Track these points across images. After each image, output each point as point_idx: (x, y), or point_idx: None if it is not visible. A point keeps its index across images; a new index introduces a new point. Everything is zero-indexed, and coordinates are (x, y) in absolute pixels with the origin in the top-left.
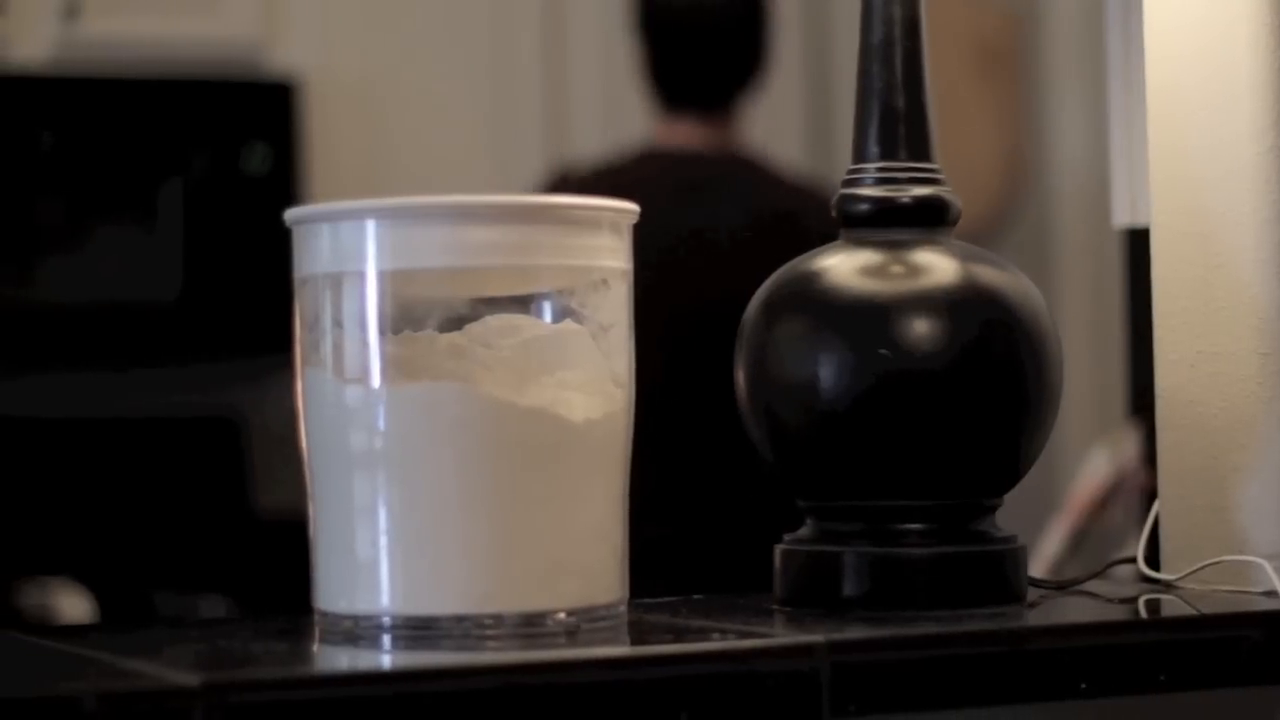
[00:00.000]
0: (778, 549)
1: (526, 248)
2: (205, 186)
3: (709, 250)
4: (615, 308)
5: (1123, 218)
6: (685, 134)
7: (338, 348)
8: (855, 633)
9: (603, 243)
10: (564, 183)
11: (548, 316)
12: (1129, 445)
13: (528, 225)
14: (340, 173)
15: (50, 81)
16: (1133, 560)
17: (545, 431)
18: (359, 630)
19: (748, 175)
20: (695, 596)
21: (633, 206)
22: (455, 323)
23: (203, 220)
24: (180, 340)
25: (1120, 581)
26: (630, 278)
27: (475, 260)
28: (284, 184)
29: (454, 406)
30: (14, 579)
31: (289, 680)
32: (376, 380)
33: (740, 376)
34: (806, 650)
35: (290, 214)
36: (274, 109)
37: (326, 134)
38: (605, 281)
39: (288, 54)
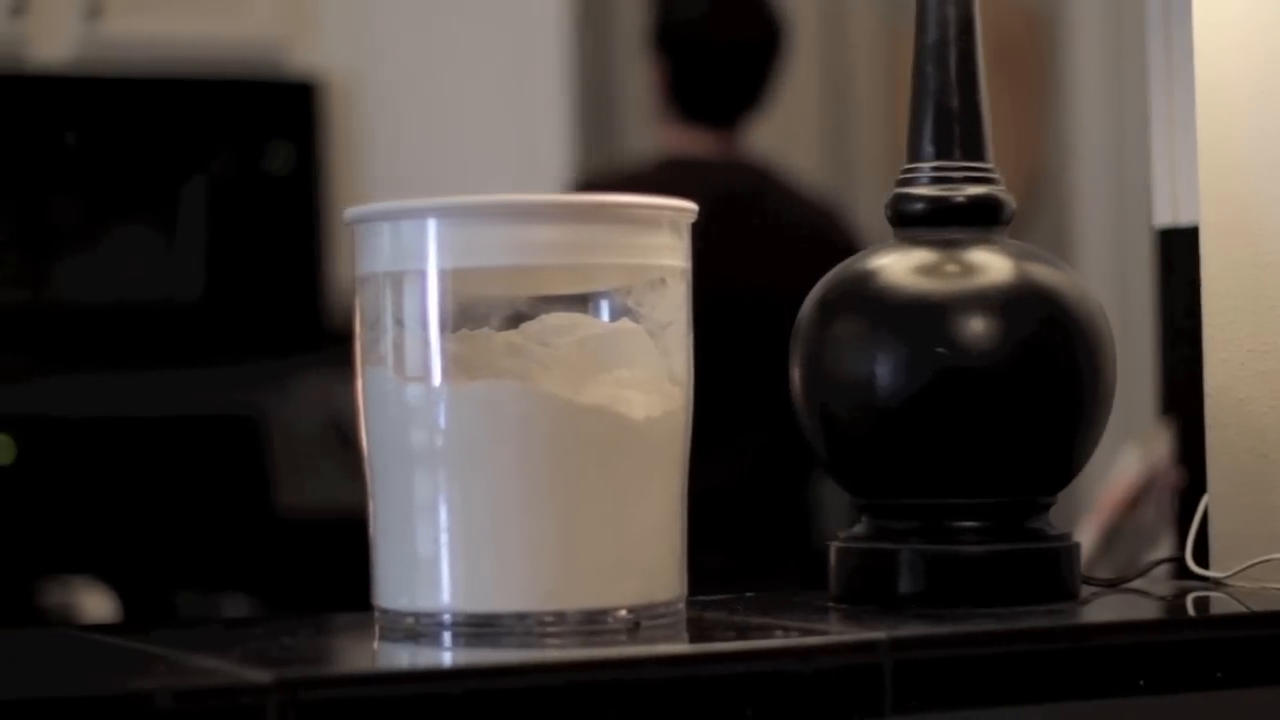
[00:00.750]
0: (833, 546)
1: (587, 247)
2: (228, 186)
3: (732, 257)
4: (673, 306)
5: (1164, 217)
6: (696, 143)
7: (398, 346)
8: (917, 629)
9: (662, 241)
10: (589, 188)
11: (605, 315)
12: (1159, 444)
13: (588, 224)
14: (363, 173)
15: (73, 81)
16: (1180, 558)
17: (606, 429)
18: (420, 627)
19: (763, 185)
20: (748, 594)
21: (691, 205)
22: (512, 321)
23: (225, 220)
24: (202, 340)
25: (1167, 579)
26: (689, 276)
27: (535, 259)
28: (306, 184)
29: (515, 405)
30: (36, 578)
31: (361, 676)
32: (437, 378)
33: (796, 375)
34: (870, 647)
35: (350, 213)
36: (296, 109)
37: (349, 134)
38: (663, 280)
39: (310, 53)
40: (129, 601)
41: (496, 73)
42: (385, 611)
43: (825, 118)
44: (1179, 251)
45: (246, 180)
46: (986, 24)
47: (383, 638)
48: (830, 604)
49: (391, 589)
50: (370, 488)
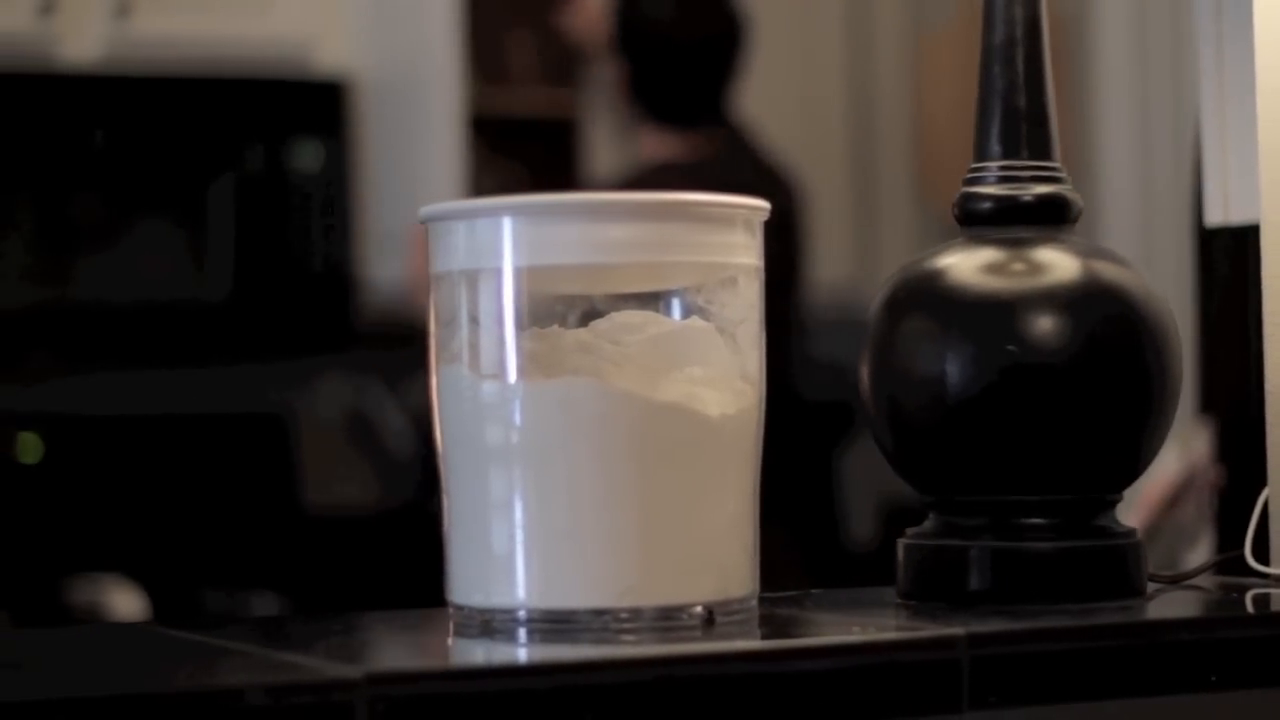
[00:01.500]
0: (901, 543)
1: (661, 245)
2: (255, 185)
3: None
4: (744, 305)
5: (1216, 217)
6: (668, 146)
7: (473, 344)
8: (994, 625)
9: (736, 240)
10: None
11: (676, 313)
12: (1199, 443)
13: (663, 223)
14: (390, 172)
15: (101, 80)
16: (1240, 554)
17: (683, 427)
18: (495, 624)
19: (754, 182)
20: (813, 591)
21: (764, 204)
22: (582, 319)
23: (253, 219)
24: (229, 339)
25: (1222, 576)
26: (761, 275)
27: (610, 257)
28: (334, 183)
29: (593, 402)
30: (65, 575)
31: (450, 672)
32: (513, 376)
33: (864, 374)
34: (948, 643)
35: (426, 211)
36: (324, 108)
37: (376, 133)
38: (734, 279)
39: (337, 53)
40: (157, 599)
41: None
42: (460, 608)
43: (850, 122)
44: (1229, 250)
45: (274, 179)
46: None
47: (457, 634)
48: (899, 600)
49: (466, 585)
50: (444, 485)
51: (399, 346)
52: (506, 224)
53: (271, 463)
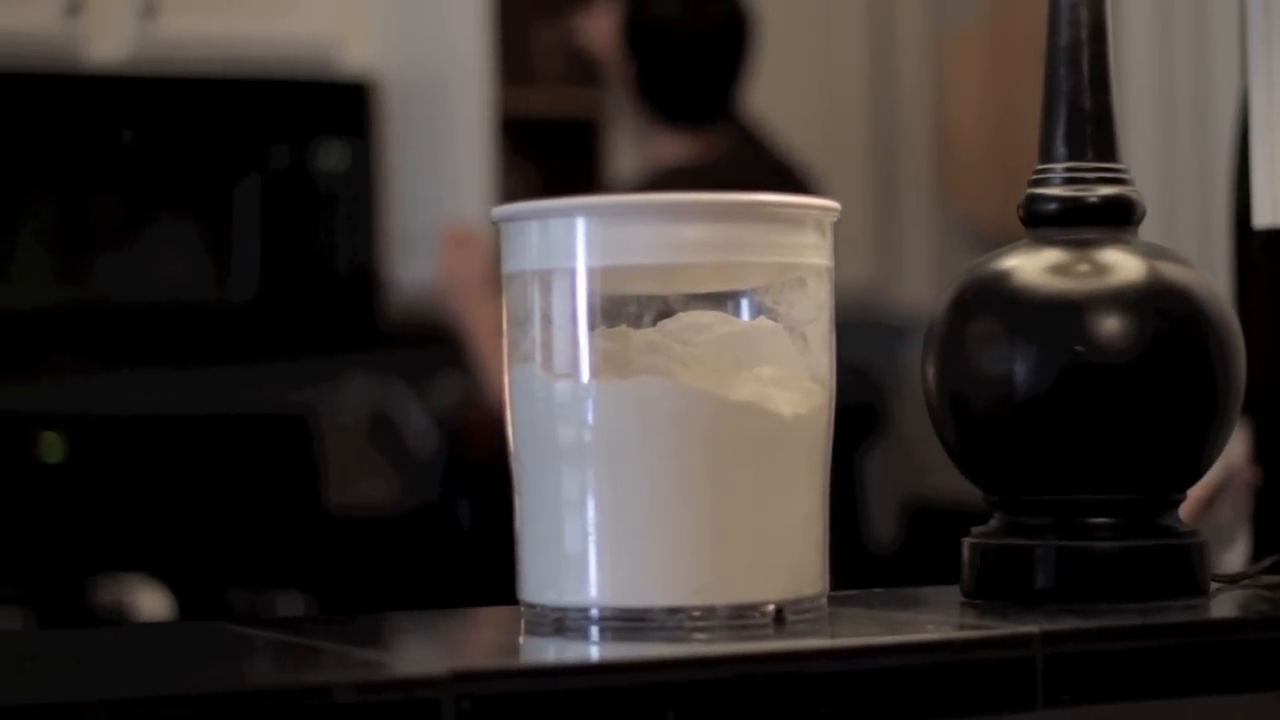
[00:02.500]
0: (966, 542)
1: (733, 245)
2: (281, 186)
3: None
4: (814, 305)
5: (1264, 218)
6: (681, 147)
7: (546, 343)
8: (1067, 624)
9: (807, 240)
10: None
11: (745, 313)
12: (1236, 443)
13: (736, 223)
14: (415, 173)
15: (127, 81)
16: None
17: (756, 426)
18: (568, 622)
19: (764, 179)
20: (876, 590)
21: (835, 205)
22: (651, 319)
23: (279, 220)
24: (254, 339)
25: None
26: (832, 275)
27: (682, 257)
28: (359, 184)
29: (667, 401)
30: (90, 575)
31: (536, 669)
32: (586, 375)
33: (930, 374)
34: (1023, 641)
35: (498, 211)
36: (349, 108)
37: (402, 134)
38: (803, 280)
39: (363, 53)
40: (182, 598)
41: None
42: (532, 606)
43: (870, 122)
44: (1273, 250)
45: (299, 180)
46: (1033, 29)
47: (529, 632)
48: (964, 599)
49: (538, 584)
50: (516, 484)
51: (423, 347)
52: (580, 224)
53: (295, 463)
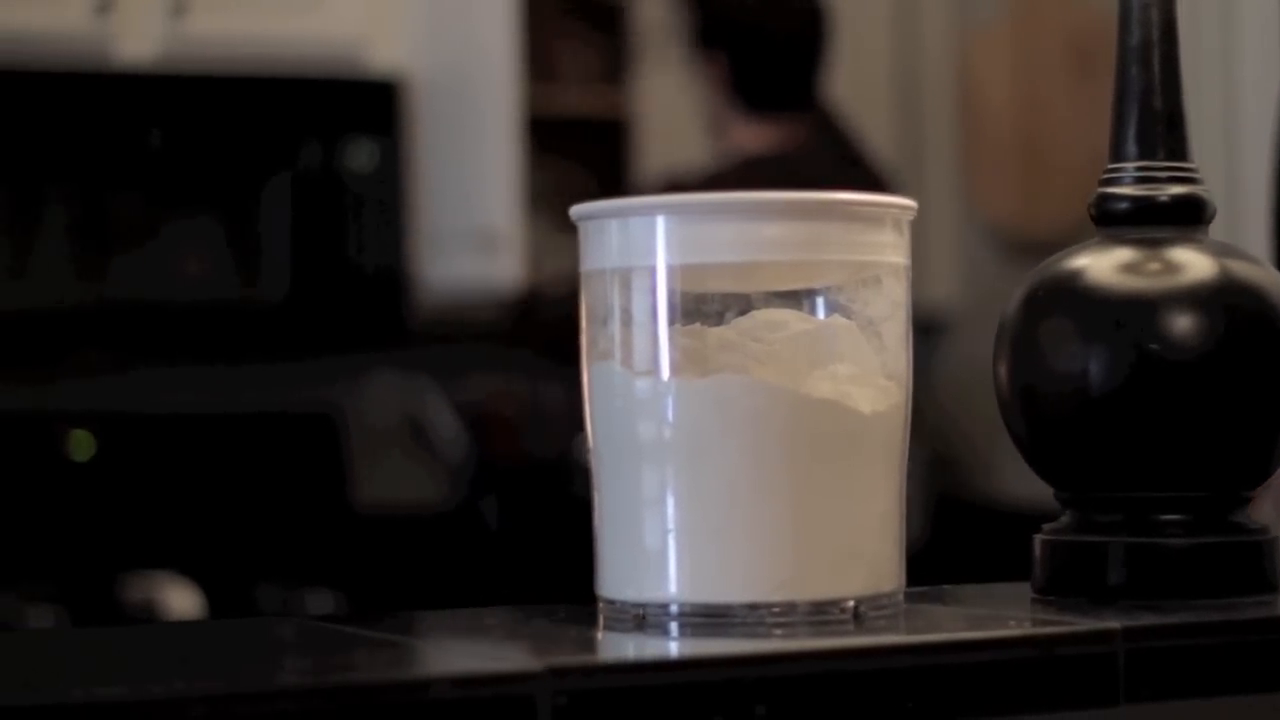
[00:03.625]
0: (1037, 539)
1: (812, 243)
2: (310, 184)
3: None
4: (889, 303)
5: None
6: (763, 137)
7: (626, 341)
8: (1149, 620)
9: (885, 239)
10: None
11: (820, 311)
12: None
13: (816, 222)
14: (444, 172)
15: (157, 79)
16: None
17: (836, 422)
18: (648, 618)
19: (838, 175)
20: (944, 586)
21: (912, 203)
22: (726, 316)
23: (308, 218)
24: (283, 338)
25: None
26: (909, 273)
27: (762, 255)
28: (388, 182)
29: (748, 398)
30: (120, 572)
31: (632, 664)
32: (666, 372)
33: (1001, 371)
34: (1106, 637)
35: (577, 210)
36: (377, 107)
37: (430, 133)
38: (878, 278)
39: (392, 52)
40: (211, 596)
41: None
42: (611, 602)
43: (895, 119)
44: None
45: (328, 178)
46: (1062, 27)
47: (607, 627)
48: (1034, 595)
49: (617, 580)
50: (595, 480)
51: (452, 346)
52: (660, 223)
53: (324, 461)
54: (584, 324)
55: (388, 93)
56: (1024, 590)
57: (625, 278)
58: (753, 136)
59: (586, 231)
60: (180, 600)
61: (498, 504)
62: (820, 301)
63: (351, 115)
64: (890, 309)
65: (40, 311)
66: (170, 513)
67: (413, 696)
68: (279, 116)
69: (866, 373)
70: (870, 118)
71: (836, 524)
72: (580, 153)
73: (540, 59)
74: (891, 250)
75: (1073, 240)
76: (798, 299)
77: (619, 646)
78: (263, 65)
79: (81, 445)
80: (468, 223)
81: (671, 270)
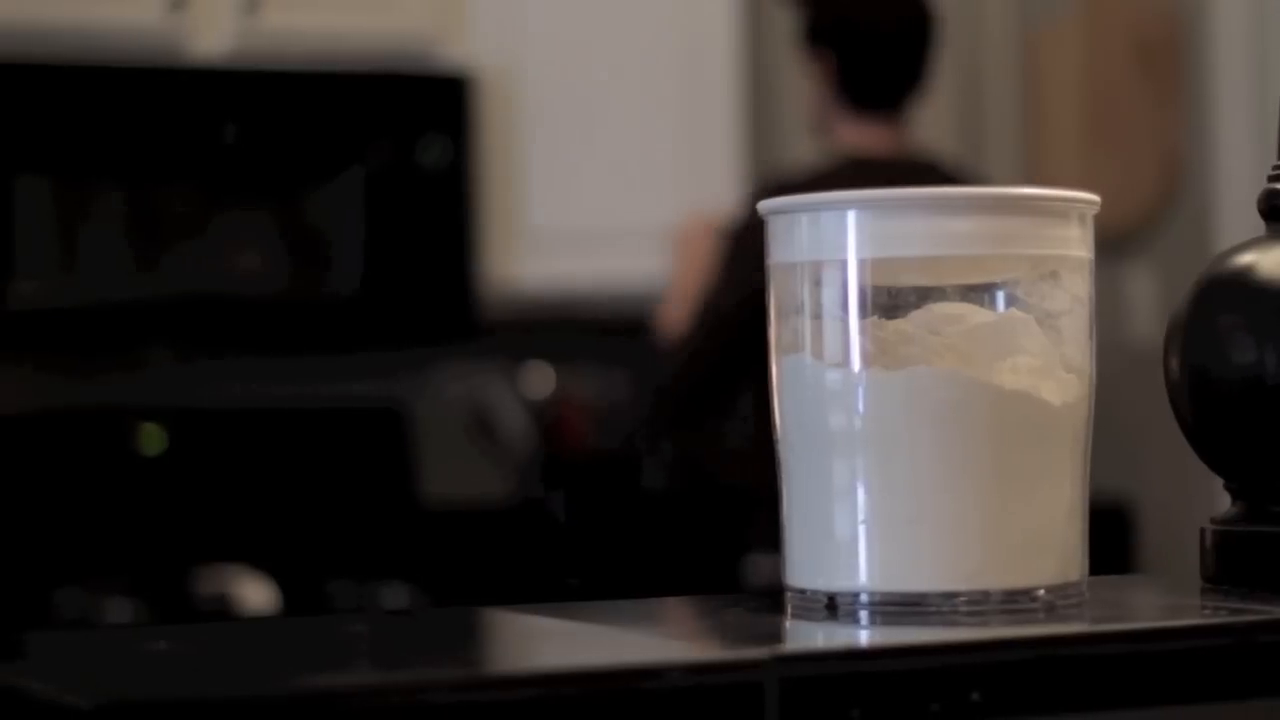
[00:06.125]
0: (1205, 530)
1: (1000, 238)
2: (382, 179)
3: None
4: (1069, 297)
5: None
6: (869, 136)
7: (816, 333)
8: None
9: (1070, 233)
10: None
11: (999, 304)
12: None
13: (1004, 217)
14: (515, 167)
15: (231, 74)
16: None
17: (1027, 413)
18: (839, 606)
19: (936, 178)
20: (1107, 575)
21: (1095, 198)
22: (907, 309)
23: (380, 213)
24: (355, 333)
25: None
26: (1092, 267)
27: (951, 250)
28: (459, 178)
29: (940, 389)
30: (193, 566)
31: (857, 651)
32: (857, 364)
33: (1173, 365)
34: None
35: (766, 205)
36: (449, 103)
37: (502, 128)
38: (1055, 272)
39: (463, 48)
40: (285, 589)
41: (650, 65)
42: (801, 591)
43: (957, 121)
44: None
45: (399, 174)
46: (1125, 24)
47: (797, 616)
48: (1205, 584)
49: (807, 569)
50: (784, 471)
51: (520, 341)
52: (851, 217)
53: (393, 455)
54: (772, 316)
55: (458, 88)
56: (1188, 580)
57: (815, 271)
58: (859, 135)
59: (775, 226)
60: (254, 594)
61: (565, 498)
62: (998, 294)
63: (422, 111)
64: (1070, 303)
65: (111, 306)
66: (240, 507)
67: (648, 683)
68: (350, 112)
69: (1046, 365)
70: (933, 115)
71: (1028, 514)
72: None
73: None
74: (1076, 244)
75: (1140, 235)
76: (978, 293)
77: (799, 634)
78: (334, 61)
79: (152, 440)
80: (536, 218)
81: (862, 264)
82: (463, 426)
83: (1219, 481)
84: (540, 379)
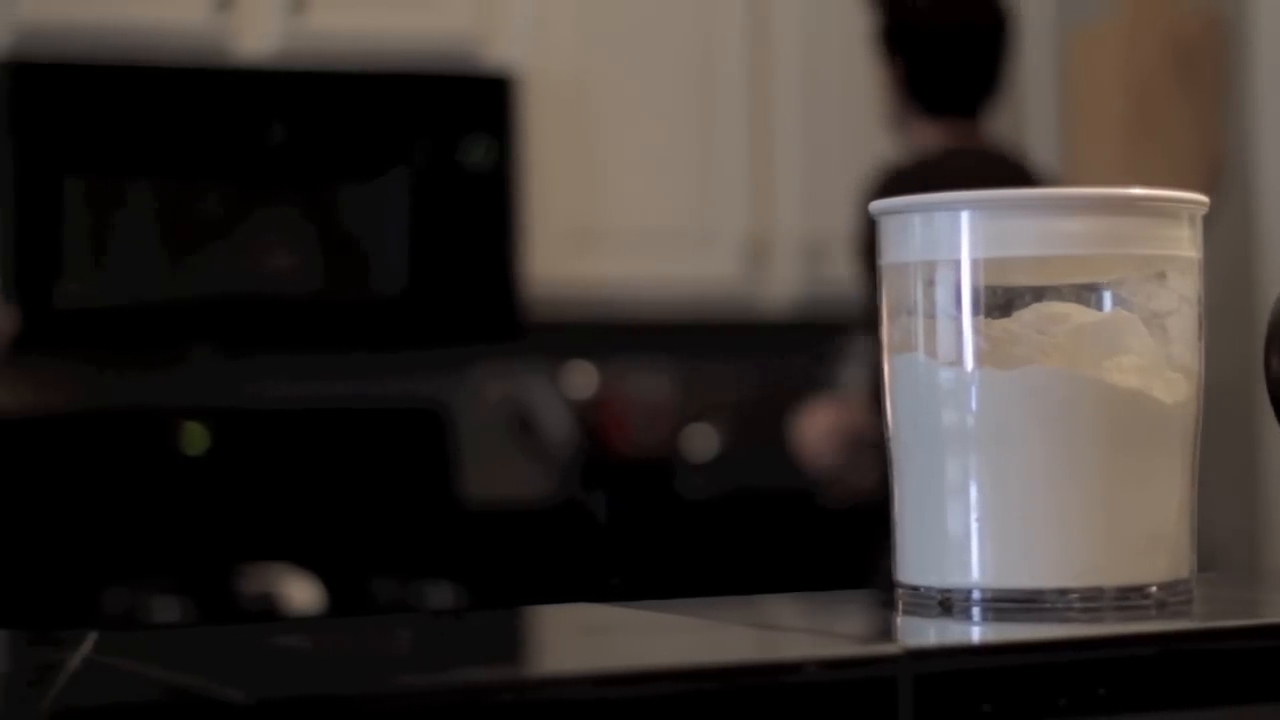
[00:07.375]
0: None
1: (1110, 238)
2: (427, 179)
3: None
4: (1175, 296)
5: None
6: (943, 138)
7: (930, 332)
8: None
9: (1180, 234)
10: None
11: (1105, 304)
12: None
13: (1115, 217)
14: (558, 168)
15: (276, 74)
16: None
17: (1140, 412)
18: (952, 602)
19: (1020, 173)
20: (1204, 573)
21: (1205, 199)
22: (1006, 309)
23: (424, 213)
24: (400, 332)
25: None
26: (1200, 267)
27: (1063, 250)
28: (502, 178)
29: (1056, 388)
30: (238, 564)
31: (989, 647)
32: (970, 363)
33: (1274, 363)
34: None
35: (878, 205)
36: (492, 104)
37: (544, 129)
38: (1162, 272)
39: (506, 49)
40: (330, 588)
41: (690, 66)
42: (914, 588)
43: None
44: None
45: (443, 174)
46: (1165, 27)
47: (908, 612)
48: None
49: (919, 566)
50: (895, 469)
51: (562, 342)
52: (964, 217)
53: (435, 454)
54: (884, 315)
55: (501, 89)
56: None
57: (929, 270)
58: (932, 136)
59: (887, 226)
60: (300, 592)
61: (606, 498)
62: (1104, 294)
63: (467, 111)
64: (1176, 303)
65: (156, 306)
66: (283, 506)
67: (784, 678)
68: (394, 112)
69: (1152, 365)
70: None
71: (1140, 511)
72: None
73: None
74: (1186, 245)
75: None
76: (1085, 292)
77: (912, 630)
78: (379, 61)
79: (196, 439)
80: (579, 218)
81: (975, 264)
82: (505, 426)
83: None
84: (582, 379)
